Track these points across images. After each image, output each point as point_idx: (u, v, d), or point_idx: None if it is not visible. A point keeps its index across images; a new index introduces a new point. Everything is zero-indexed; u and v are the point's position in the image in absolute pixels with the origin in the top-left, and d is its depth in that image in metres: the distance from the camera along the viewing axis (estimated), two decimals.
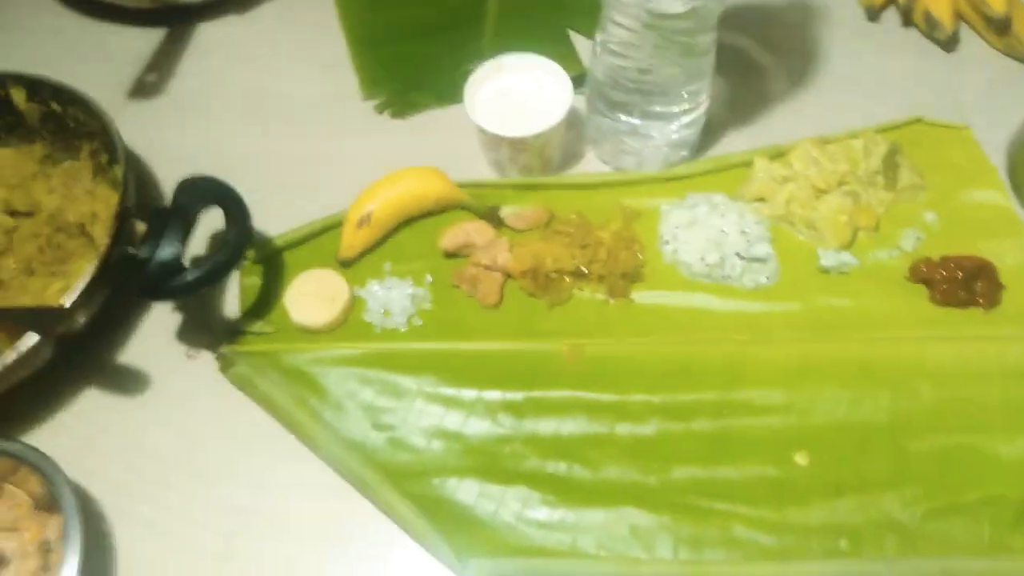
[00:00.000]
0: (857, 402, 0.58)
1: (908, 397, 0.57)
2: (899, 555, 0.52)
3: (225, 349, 0.62)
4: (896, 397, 0.57)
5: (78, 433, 0.60)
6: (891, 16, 0.80)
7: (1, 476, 0.54)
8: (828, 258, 0.63)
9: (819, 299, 0.62)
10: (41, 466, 0.53)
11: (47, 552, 0.53)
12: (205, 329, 0.64)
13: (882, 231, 0.65)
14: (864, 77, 0.76)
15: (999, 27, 0.75)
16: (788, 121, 0.73)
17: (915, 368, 0.58)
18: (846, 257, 0.63)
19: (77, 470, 0.56)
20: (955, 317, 0.61)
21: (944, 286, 0.61)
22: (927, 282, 0.62)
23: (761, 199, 0.66)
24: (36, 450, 0.53)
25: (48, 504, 0.54)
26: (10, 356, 0.53)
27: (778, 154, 0.68)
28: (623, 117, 0.65)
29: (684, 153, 0.70)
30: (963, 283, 0.61)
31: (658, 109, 0.64)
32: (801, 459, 0.56)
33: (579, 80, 0.67)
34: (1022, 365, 0.58)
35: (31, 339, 0.54)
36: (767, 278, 0.63)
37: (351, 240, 0.64)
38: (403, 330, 0.62)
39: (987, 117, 0.71)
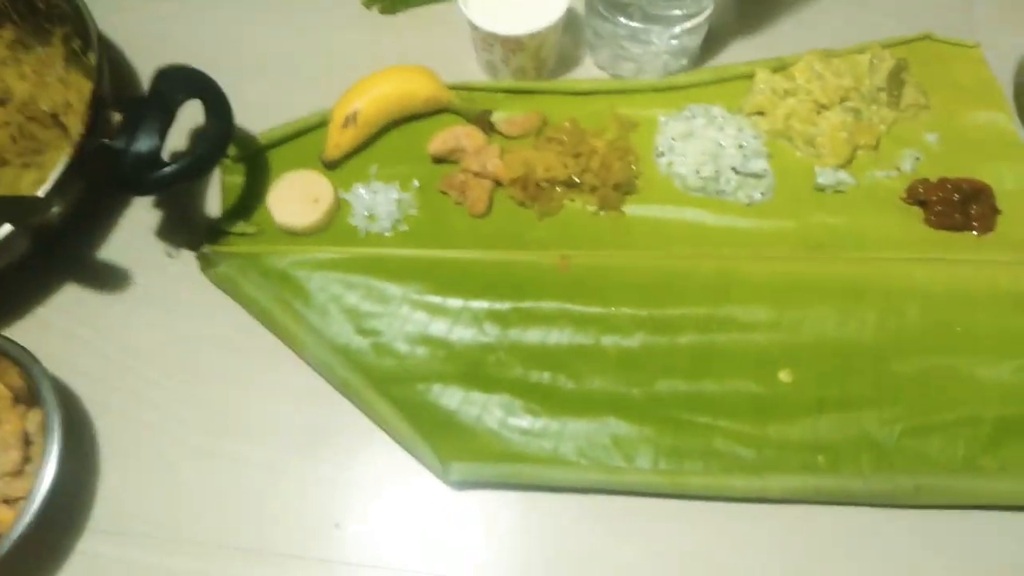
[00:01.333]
0: (844, 321, 0.57)
1: (895, 317, 0.57)
2: (875, 471, 0.53)
3: (207, 249, 0.60)
4: (883, 317, 0.57)
5: (59, 328, 0.59)
6: None
7: None
8: (825, 176, 0.62)
9: (813, 217, 0.61)
10: (21, 359, 0.52)
11: (28, 444, 0.53)
12: (186, 228, 0.62)
13: (882, 150, 0.64)
14: None
15: None
16: (794, 33, 0.70)
17: (904, 289, 0.58)
18: (843, 176, 0.62)
19: (58, 365, 0.56)
20: (948, 240, 0.60)
21: (939, 208, 0.60)
22: (923, 204, 0.61)
23: (761, 113, 0.65)
24: (15, 343, 0.53)
25: (28, 397, 0.54)
26: None
27: (781, 66, 0.66)
28: (623, 19, 0.62)
29: (684, 62, 0.67)
30: (959, 206, 0.61)
31: (659, 12, 0.61)
32: (785, 376, 0.56)
33: None
34: (1012, 290, 0.58)
35: (5, 229, 0.52)
36: (762, 194, 0.62)
37: (336, 140, 0.62)
38: (388, 235, 0.61)
39: (998, 36, 0.69)
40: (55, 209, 0.53)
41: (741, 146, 0.63)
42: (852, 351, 0.57)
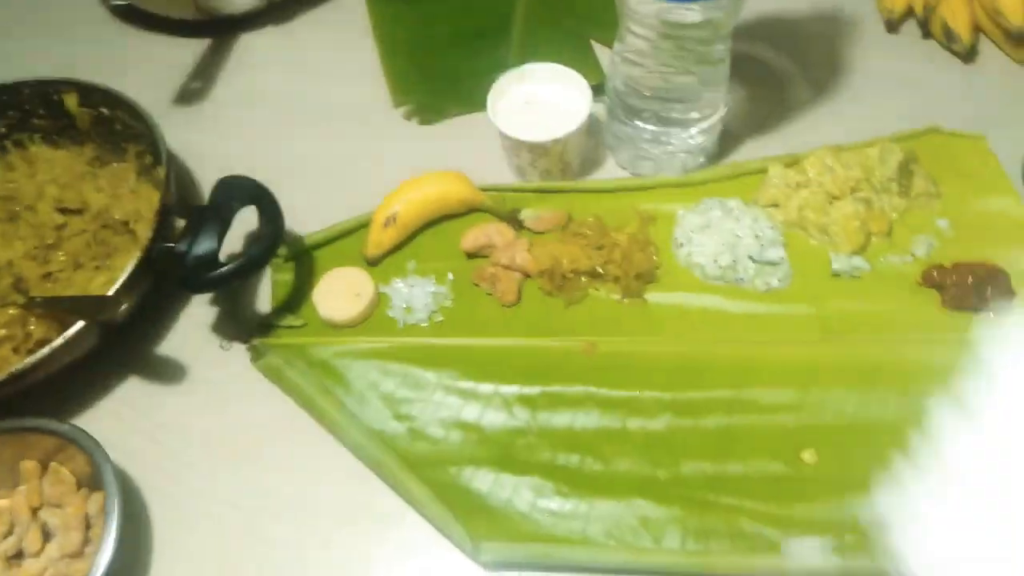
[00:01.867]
0: (865, 402, 0.59)
1: (916, 397, 0.58)
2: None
3: (256, 341, 0.65)
4: (904, 397, 0.59)
5: (120, 417, 0.63)
6: (910, 27, 0.81)
7: (49, 454, 0.58)
8: (840, 262, 0.65)
9: (830, 302, 0.64)
10: (87, 446, 0.56)
11: (88, 527, 0.57)
12: (238, 322, 0.67)
13: (895, 237, 0.67)
14: (882, 87, 0.77)
15: (1018, 39, 0.76)
16: (805, 130, 0.74)
17: (924, 369, 0.59)
18: (858, 261, 0.65)
19: (117, 451, 0.60)
20: (965, 321, 0.62)
21: (954, 290, 0.62)
22: (938, 287, 0.63)
23: (775, 205, 0.68)
24: (82, 431, 0.57)
25: (90, 482, 0.58)
26: (57, 341, 0.57)
27: (794, 162, 0.70)
28: (640, 124, 0.67)
29: (701, 160, 0.72)
30: (974, 288, 0.62)
31: (675, 116, 0.66)
32: (808, 456, 0.57)
33: (599, 88, 0.70)
34: None
35: (77, 325, 0.58)
36: (779, 280, 0.65)
37: (377, 239, 0.68)
38: (424, 326, 0.65)
39: (1004, 128, 0.72)
40: (125, 305, 0.58)
41: (757, 236, 0.66)
42: (875, 431, 0.58)
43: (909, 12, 0.81)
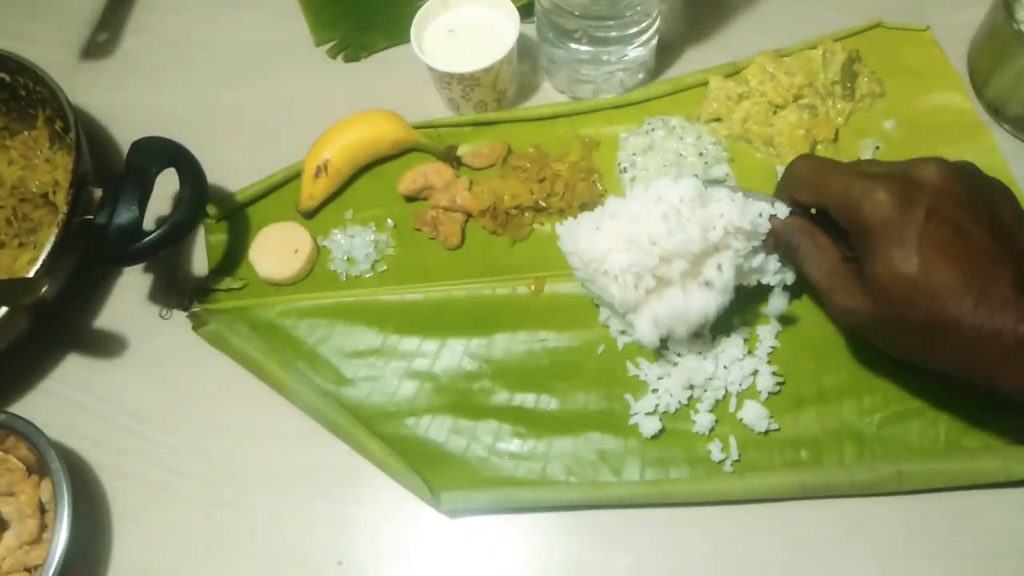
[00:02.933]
0: (817, 317, 0.58)
1: None
2: (856, 462, 0.54)
3: (197, 308, 0.63)
4: None
5: (63, 398, 0.62)
6: None
7: None
8: None
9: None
10: (27, 432, 0.55)
11: (44, 512, 0.56)
12: (176, 289, 0.65)
13: (841, 143, 0.65)
14: None
15: None
16: (745, 35, 0.71)
17: None
18: None
19: (65, 433, 0.59)
20: None
21: None
22: None
23: (718, 119, 0.66)
24: (20, 417, 0.55)
25: (39, 468, 0.56)
26: None
27: (734, 71, 0.67)
28: (572, 45, 0.64)
29: (640, 76, 0.69)
30: None
31: (607, 34, 0.63)
32: None
33: (527, 10, 0.66)
34: None
35: (0, 311, 0.55)
36: None
37: (310, 190, 0.65)
38: (368, 276, 0.63)
39: (947, 17, 0.69)
40: (47, 287, 0.55)
41: (701, 154, 0.64)
42: (825, 345, 0.58)
43: None
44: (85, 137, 0.62)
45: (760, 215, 0.53)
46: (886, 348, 0.50)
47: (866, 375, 0.56)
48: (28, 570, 0.54)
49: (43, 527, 0.56)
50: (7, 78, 0.66)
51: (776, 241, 0.53)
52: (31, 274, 0.56)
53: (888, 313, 0.46)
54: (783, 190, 0.54)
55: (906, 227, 0.45)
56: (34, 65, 0.64)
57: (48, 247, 0.56)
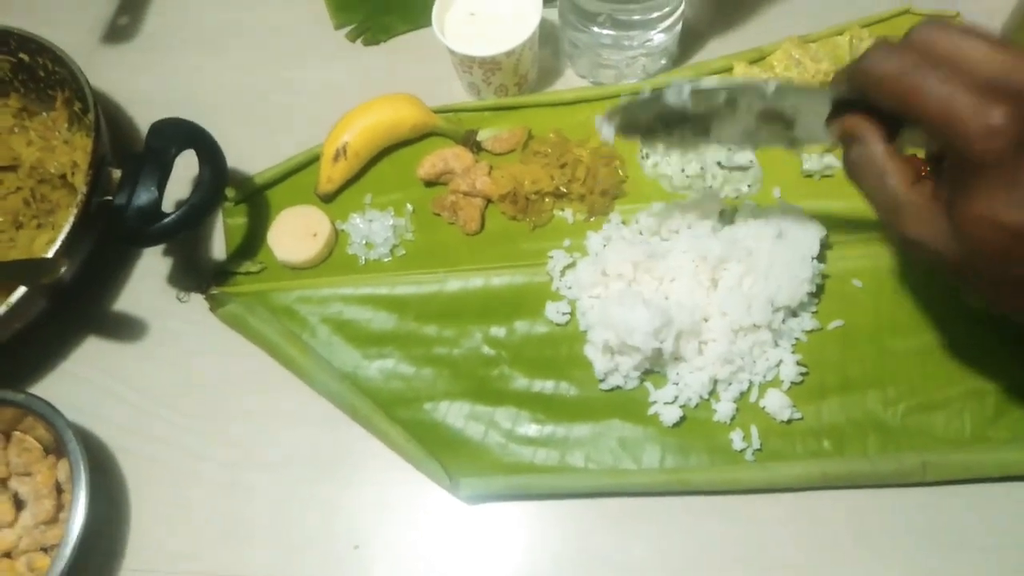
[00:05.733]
0: (841, 305, 0.58)
1: (890, 296, 0.57)
2: (880, 452, 0.53)
3: (215, 290, 0.63)
4: (877, 297, 0.57)
5: (81, 379, 0.62)
6: None
7: (9, 424, 0.57)
8: (811, 162, 0.62)
9: (803, 203, 0.61)
10: (45, 413, 0.55)
11: (60, 493, 0.56)
12: (194, 272, 0.65)
13: None
14: None
15: None
16: (770, 21, 0.70)
17: (897, 266, 0.58)
18: (829, 159, 0.62)
19: (83, 414, 0.59)
20: None
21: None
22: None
23: None
24: (37, 398, 0.55)
25: (56, 448, 0.56)
26: (1, 309, 0.55)
27: (760, 57, 0.66)
28: (595, 28, 0.63)
29: (663, 62, 0.68)
30: None
31: (632, 18, 0.62)
32: None
33: None
34: None
35: (19, 291, 0.55)
36: (749, 186, 0.62)
37: (329, 174, 0.64)
38: (387, 261, 0.63)
39: (977, 3, 0.68)
40: (66, 267, 0.55)
41: None
42: (850, 333, 0.57)
43: None
44: (104, 118, 0.61)
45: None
46: (962, 289, 0.43)
47: (891, 365, 0.55)
48: (44, 549, 0.54)
49: (59, 507, 0.56)
50: (27, 59, 0.66)
51: (841, 141, 0.44)
52: (50, 255, 0.56)
53: (975, 262, 0.39)
54: (854, 87, 0.41)
55: (1022, 168, 0.36)
56: (53, 46, 0.64)
57: (67, 227, 0.56)
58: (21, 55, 0.66)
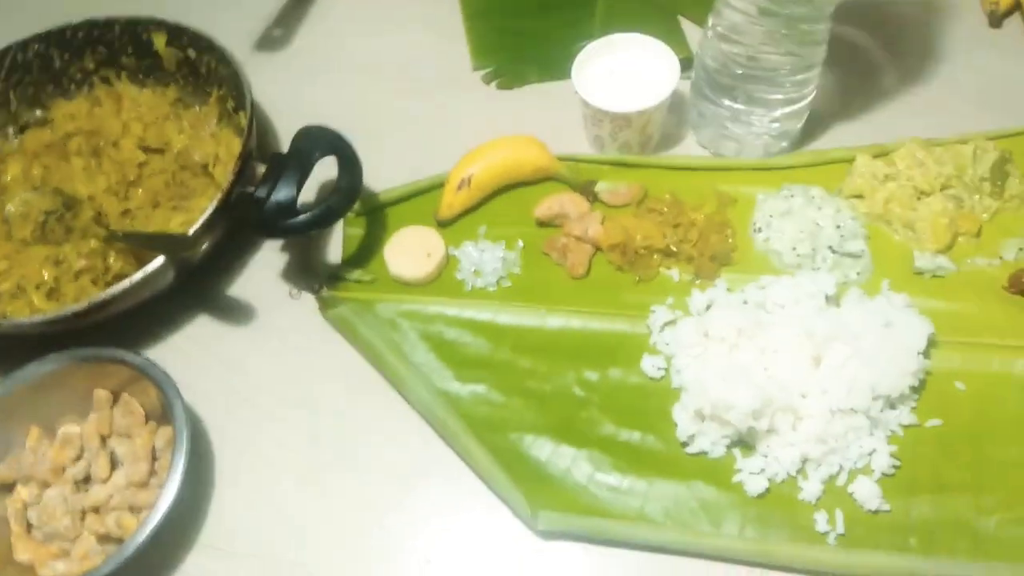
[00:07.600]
0: (941, 404, 0.57)
1: (995, 403, 0.57)
2: (971, 559, 0.52)
3: (326, 292, 0.65)
4: (981, 402, 0.57)
5: (189, 355, 0.64)
6: (1014, 22, 0.78)
7: (122, 385, 0.60)
8: (924, 260, 0.63)
9: (911, 301, 0.61)
10: (159, 379, 0.57)
11: (155, 459, 0.58)
12: (308, 272, 0.68)
13: (984, 238, 0.64)
14: (980, 83, 0.74)
15: None
16: (895, 121, 0.72)
17: (1004, 376, 0.58)
18: (943, 261, 0.63)
19: (186, 389, 0.61)
20: None
21: None
22: None
23: (859, 196, 0.66)
24: (156, 365, 0.58)
25: (158, 416, 0.59)
26: (137, 275, 0.58)
27: (882, 152, 0.68)
28: (727, 101, 0.65)
29: (784, 144, 0.70)
30: None
31: (764, 96, 0.64)
32: None
33: (685, 64, 0.68)
34: None
35: (157, 262, 0.58)
36: (858, 274, 0.63)
37: (450, 201, 0.67)
38: (492, 290, 0.65)
39: None
40: (200, 246, 0.59)
41: (839, 226, 0.64)
42: (948, 434, 0.56)
43: (1015, 7, 0.78)
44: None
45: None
46: None
47: (989, 472, 0.54)
48: (132, 510, 0.56)
49: (152, 472, 0.58)
50: (193, 55, 0.72)
51: None
52: (189, 232, 0.59)
53: None
54: None
55: None
56: (222, 47, 0.69)
57: (209, 210, 0.60)
58: (189, 51, 0.71)
